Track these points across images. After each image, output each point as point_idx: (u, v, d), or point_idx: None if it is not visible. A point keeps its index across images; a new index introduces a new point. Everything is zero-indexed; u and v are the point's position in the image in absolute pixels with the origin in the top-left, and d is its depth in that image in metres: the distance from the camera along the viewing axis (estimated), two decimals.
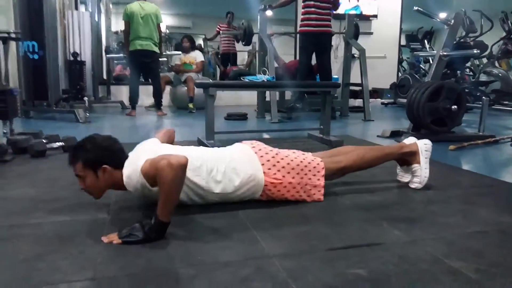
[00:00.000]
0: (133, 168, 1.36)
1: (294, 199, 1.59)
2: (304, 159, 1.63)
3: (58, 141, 2.62)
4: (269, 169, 1.56)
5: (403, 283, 1.00)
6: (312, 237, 1.29)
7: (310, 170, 1.61)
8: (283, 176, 1.56)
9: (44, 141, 2.54)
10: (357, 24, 5.31)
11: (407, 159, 1.86)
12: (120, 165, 1.40)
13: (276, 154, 1.61)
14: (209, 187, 1.48)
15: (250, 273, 1.04)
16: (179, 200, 1.32)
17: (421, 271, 1.06)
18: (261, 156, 1.58)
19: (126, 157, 1.45)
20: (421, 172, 1.82)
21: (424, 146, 1.83)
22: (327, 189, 1.65)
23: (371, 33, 5.37)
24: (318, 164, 1.64)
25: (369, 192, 1.80)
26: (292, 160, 1.60)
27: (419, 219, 1.48)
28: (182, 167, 1.23)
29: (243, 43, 5.55)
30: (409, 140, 1.88)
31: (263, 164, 1.56)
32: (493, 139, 3.23)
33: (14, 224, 1.35)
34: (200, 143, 2.90)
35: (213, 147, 2.66)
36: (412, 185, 1.85)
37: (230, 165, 1.52)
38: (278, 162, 1.58)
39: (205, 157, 1.52)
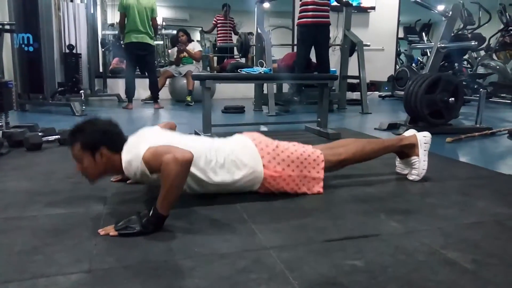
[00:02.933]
0: (134, 154, 1.35)
1: (293, 192, 1.59)
2: (304, 151, 1.63)
3: (54, 134, 2.60)
4: (269, 161, 1.55)
5: (399, 274, 1.00)
6: (309, 229, 1.29)
7: (310, 163, 1.61)
8: (283, 169, 1.56)
9: (40, 134, 2.53)
10: (354, 43, 5.18)
11: (406, 151, 1.85)
12: (118, 149, 1.39)
13: (276, 146, 1.60)
14: (207, 178, 1.47)
15: (247, 264, 1.04)
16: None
17: (417, 262, 1.07)
18: (261, 149, 1.58)
19: (125, 141, 1.43)
20: (420, 164, 1.82)
21: (423, 138, 1.83)
22: (325, 181, 1.65)
23: (368, 45, 5.34)
24: (318, 156, 1.63)
25: (367, 184, 1.80)
26: (292, 153, 1.60)
27: (416, 210, 1.48)
28: (187, 163, 1.22)
29: (240, 55, 5.56)
30: (409, 133, 1.88)
31: (263, 157, 1.55)
32: (490, 131, 3.24)
33: (10, 217, 1.35)
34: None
35: None
36: (410, 177, 1.86)
37: (230, 157, 1.52)
38: (278, 154, 1.57)
39: (205, 147, 1.51)
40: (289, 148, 1.62)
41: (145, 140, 1.39)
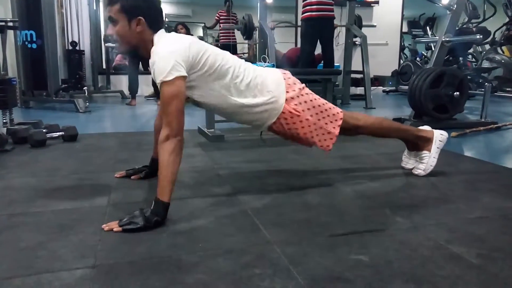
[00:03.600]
0: (162, 62, 1.30)
1: (304, 138, 1.59)
2: (326, 103, 1.65)
3: (58, 131, 2.61)
4: (292, 98, 1.56)
5: (404, 269, 0.99)
6: (313, 224, 1.28)
7: (329, 116, 1.62)
8: (303, 110, 1.57)
9: (44, 130, 2.53)
10: (360, 16, 5.19)
11: (420, 143, 1.84)
12: (155, 27, 1.39)
13: (303, 88, 1.62)
14: (229, 92, 1.48)
15: (251, 259, 1.03)
16: (176, 175, 1.30)
17: (422, 256, 1.06)
18: (288, 84, 1.58)
19: (163, 22, 1.43)
20: (429, 160, 1.80)
21: (440, 136, 1.81)
22: (329, 176, 1.64)
23: (374, 25, 5.27)
24: (338, 113, 1.64)
25: (371, 179, 1.79)
26: (315, 99, 1.62)
27: (421, 205, 1.47)
28: (180, 144, 1.29)
29: (244, 37, 5.50)
30: (425, 128, 1.87)
31: (287, 92, 1.56)
32: (495, 125, 3.22)
33: (15, 213, 1.35)
34: (200, 132, 2.89)
35: (213, 135, 2.67)
36: (416, 171, 1.84)
37: (256, 79, 1.53)
38: (302, 95, 1.59)
39: (235, 61, 1.51)
40: (313, 94, 1.64)
41: (179, 54, 1.32)
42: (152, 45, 1.38)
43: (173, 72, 1.28)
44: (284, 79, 1.60)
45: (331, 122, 1.62)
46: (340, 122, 1.63)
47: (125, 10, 1.35)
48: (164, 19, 1.46)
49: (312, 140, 1.60)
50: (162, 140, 1.28)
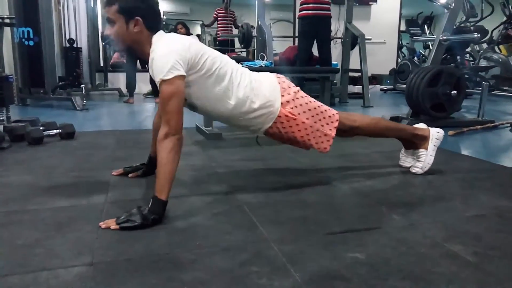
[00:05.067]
0: (161, 62, 1.30)
1: (301, 141, 1.60)
2: (321, 105, 1.65)
3: (55, 129, 2.60)
4: (288, 101, 1.56)
5: (401, 267, 1.00)
6: (310, 222, 1.29)
7: (325, 118, 1.62)
8: (299, 114, 1.57)
9: (41, 128, 2.53)
10: (355, 36, 5.14)
11: (416, 142, 1.85)
12: (153, 28, 1.39)
13: (298, 91, 1.62)
14: (226, 97, 1.48)
15: (248, 257, 1.04)
16: (175, 173, 1.30)
17: (419, 254, 1.06)
18: (283, 88, 1.59)
19: (161, 24, 1.42)
20: (426, 158, 1.81)
21: (436, 134, 1.82)
22: (326, 175, 1.65)
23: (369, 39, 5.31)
24: (333, 114, 1.65)
25: (368, 177, 1.79)
26: (310, 102, 1.62)
27: (418, 203, 1.48)
28: (178, 143, 1.29)
29: (242, 46, 5.50)
30: (421, 126, 1.88)
31: (283, 96, 1.57)
32: (493, 124, 3.23)
33: (12, 210, 1.35)
34: (198, 130, 2.89)
35: (211, 133, 2.66)
36: (413, 169, 1.85)
37: (252, 84, 1.53)
38: (297, 98, 1.59)
39: (233, 65, 1.52)
40: (308, 97, 1.64)
41: (178, 54, 1.32)
42: (150, 46, 1.37)
43: (172, 71, 1.28)
44: (279, 83, 1.60)
45: (327, 124, 1.62)
46: (336, 124, 1.63)
47: (123, 11, 1.35)
48: (162, 19, 1.45)
49: (309, 143, 1.61)
50: (161, 138, 1.28)
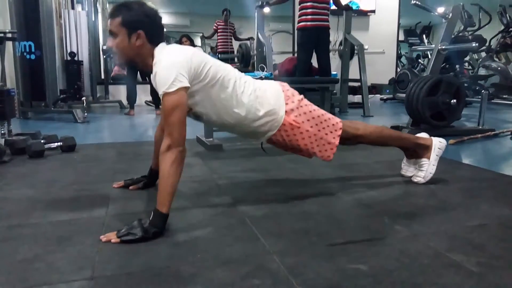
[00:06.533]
0: (164, 74, 1.30)
1: (305, 149, 1.60)
2: (325, 113, 1.66)
3: (56, 141, 2.61)
4: (292, 110, 1.57)
5: (404, 278, 0.99)
6: (312, 233, 1.28)
7: (328, 126, 1.62)
8: (302, 122, 1.58)
9: (42, 141, 2.53)
10: (353, 45, 5.16)
11: (419, 151, 1.85)
12: (155, 41, 1.39)
13: (302, 99, 1.63)
14: (231, 104, 1.48)
15: (250, 270, 1.03)
16: (177, 187, 1.29)
17: (422, 265, 1.06)
18: (287, 96, 1.60)
19: (163, 37, 1.43)
20: (428, 167, 1.81)
21: (438, 143, 1.82)
22: (327, 185, 1.64)
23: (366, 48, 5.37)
24: (337, 123, 1.65)
25: (370, 187, 1.79)
26: (314, 110, 1.63)
27: (420, 213, 1.47)
28: (181, 155, 1.29)
29: (241, 65, 5.55)
30: (423, 135, 1.88)
31: (287, 104, 1.57)
32: (493, 132, 3.23)
33: (13, 225, 1.34)
34: (199, 141, 2.89)
35: (212, 144, 2.67)
36: (415, 179, 1.85)
37: (256, 92, 1.54)
38: (301, 106, 1.60)
39: (236, 73, 1.53)
40: (312, 105, 1.65)
41: (181, 65, 1.33)
42: (152, 59, 1.38)
43: (175, 83, 1.29)
44: (283, 91, 1.61)
45: (331, 132, 1.62)
46: (339, 132, 1.64)
47: (126, 23, 1.36)
48: (164, 33, 1.46)
49: (312, 151, 1.61)
50: (163, 151, 1.28)
